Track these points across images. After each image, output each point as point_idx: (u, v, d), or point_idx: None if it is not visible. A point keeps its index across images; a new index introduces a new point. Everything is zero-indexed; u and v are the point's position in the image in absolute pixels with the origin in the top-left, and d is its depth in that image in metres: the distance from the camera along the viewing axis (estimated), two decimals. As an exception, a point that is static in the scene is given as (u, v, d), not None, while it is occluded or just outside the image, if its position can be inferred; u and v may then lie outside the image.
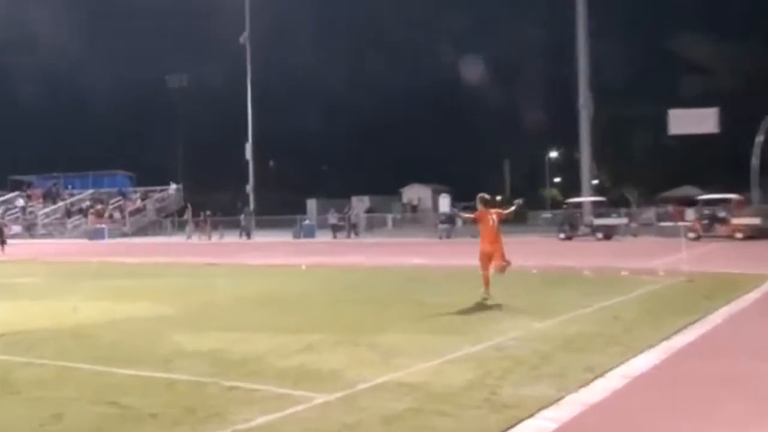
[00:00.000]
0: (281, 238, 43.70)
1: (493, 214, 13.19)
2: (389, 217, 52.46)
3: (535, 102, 68.95)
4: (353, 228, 44.87)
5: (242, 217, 46.59)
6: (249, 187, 54.96)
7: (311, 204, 62.25)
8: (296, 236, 44.14)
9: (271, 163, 76.61)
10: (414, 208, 63.66)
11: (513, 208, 13.96)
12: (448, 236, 39.23)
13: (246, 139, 55.54)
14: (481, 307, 12.36)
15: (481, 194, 13.32)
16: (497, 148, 78.84)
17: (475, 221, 13.05)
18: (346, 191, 64.48)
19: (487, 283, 13.06)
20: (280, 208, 50.81)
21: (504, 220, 13.50)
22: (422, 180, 71.14)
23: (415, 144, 79.38)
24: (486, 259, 13.12)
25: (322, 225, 46.53)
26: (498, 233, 13.17)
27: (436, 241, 38.38)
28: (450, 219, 38.73)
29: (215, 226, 47.42)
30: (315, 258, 26.27)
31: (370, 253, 29.81)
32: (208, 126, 74.50)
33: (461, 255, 21.37)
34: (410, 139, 79.30)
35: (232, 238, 45.47)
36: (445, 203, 44.50)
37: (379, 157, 79.65)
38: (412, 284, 16.44)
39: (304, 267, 21.91)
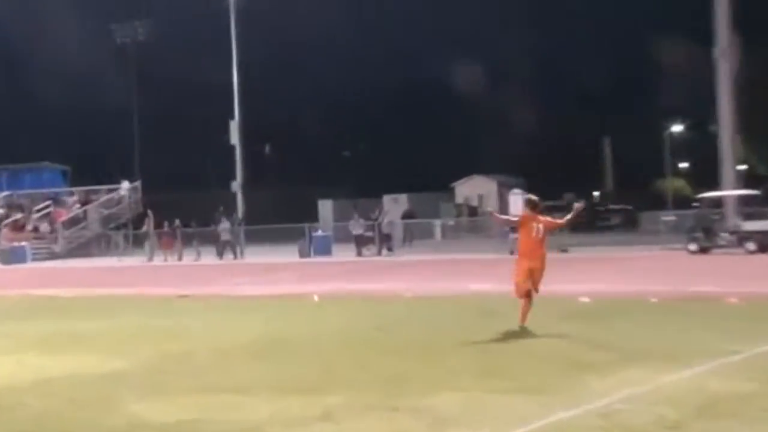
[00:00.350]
0: (283, 256, 44.01)
1: (540, 223, 14.66)
2: (437, 223, 52.63)
3: (649, 53, 68.31)
4: (386, 240, 45.07)
5: (222, 227, 46.60)
6: (236, 185, 55.28)
7: (325, 207, 62.79)
8: (304, 254, 44.54)
9: (268, 149, 76.93)
10: (473, 211, 63.65)
11: (569, 216, 15.24)
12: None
13: (230, 117, 55.78)
14: (576, 352, 12.39)
15: (529, 195, 15.40)
16: (594, 123, 78.56)
17: (513, 226, 14.93)
18: (375, 188, 64.70)
19: (525, 314, 14.51)
20: (280, 213, 51.06)
21: (554, 231, 15.39)
22: (485, 170, 71.31)
23: (473, 120, 79.60)
24: (525, 276, 14.52)
25: (342, 237, 46.70)
26: (543, 249, 14.66)
27: (507, 257, 37.77)
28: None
29: (188, 241, 47.66)
30: (332, 284, 26.49)
31: (411, 276, 29.94)
32: (176, 98, 74.96)
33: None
34: (466, 113, 79.45)
35: (213, 257, 45.77)
36: (517, 202, 44.11)
37: (421, 140, 79.80)
38: (473, 321, 16.56)
39: (316, 298, 22.06)
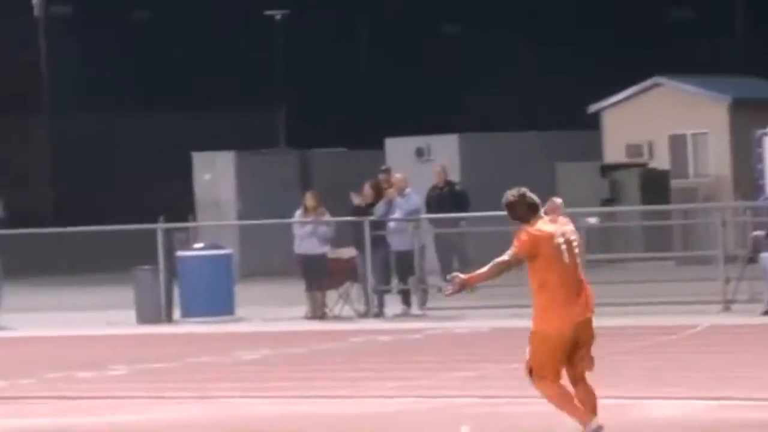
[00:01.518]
0: (95, 317, 26.10)
1: (569, 233, 9.49)
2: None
3: None
4: (405, 273, 24.78)
5: None
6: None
7: (213, 169, 34.69)
8: (149, 313, 25.02)
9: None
10: (657, 179, 33.42)
11: None
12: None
13: None
14: None
15: (517, 192, 9.26)
16: None
17: (516, 259, 9.27)
18: (366, 116, 39.10)
19: (580, 411, 9.49)
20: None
21: None
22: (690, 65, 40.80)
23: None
24: (558, 352, 9.32)
25: (262, 262, 31.50)
26: (582, 281, 9.49)
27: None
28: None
29: None
30: (238, 400, 14.21)
31: (473, 380, 15.67)
32: None
33: None
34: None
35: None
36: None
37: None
38: None
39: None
